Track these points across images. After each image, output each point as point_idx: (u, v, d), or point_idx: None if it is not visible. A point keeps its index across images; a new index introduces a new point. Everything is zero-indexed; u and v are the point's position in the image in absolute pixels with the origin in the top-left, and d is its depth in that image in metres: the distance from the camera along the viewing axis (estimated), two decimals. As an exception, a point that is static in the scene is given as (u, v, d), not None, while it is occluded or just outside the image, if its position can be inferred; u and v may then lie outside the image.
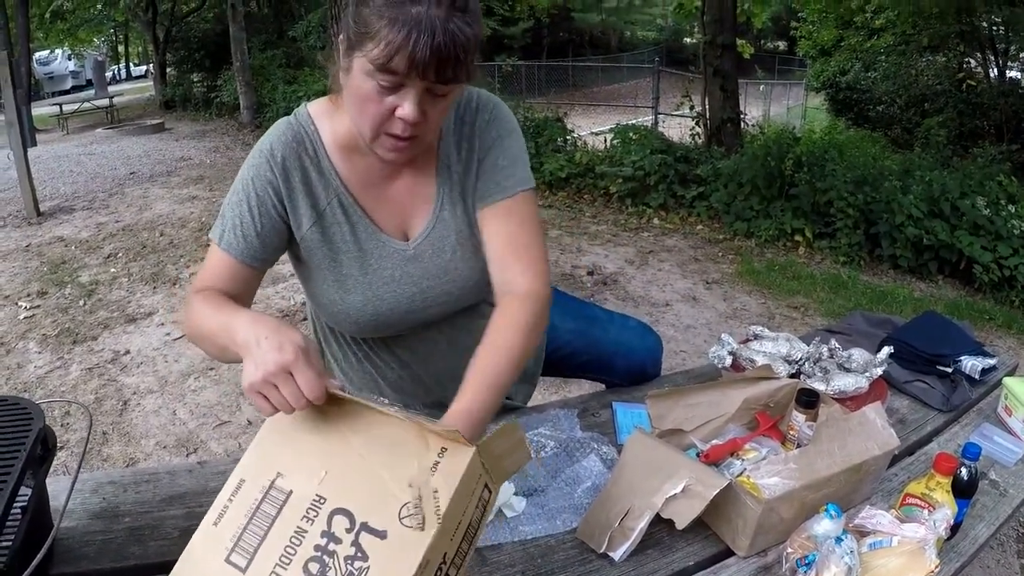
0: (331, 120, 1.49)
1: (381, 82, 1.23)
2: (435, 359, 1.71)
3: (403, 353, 1.70)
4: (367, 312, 1.53)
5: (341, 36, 1.29)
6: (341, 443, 1.11)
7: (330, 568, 0.99)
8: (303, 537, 1.03)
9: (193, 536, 1.06)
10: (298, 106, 1.55)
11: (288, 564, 1.00)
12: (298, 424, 1.14)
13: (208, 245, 1.50)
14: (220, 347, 1.32)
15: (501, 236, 1.52)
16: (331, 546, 1.01)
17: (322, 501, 1.05)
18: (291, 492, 1.08)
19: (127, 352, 4.61)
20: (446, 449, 1.05)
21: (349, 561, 0.98)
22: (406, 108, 1.25)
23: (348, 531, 1.01)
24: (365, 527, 1.01)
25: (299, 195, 1.47)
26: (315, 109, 1.51)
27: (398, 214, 1.55)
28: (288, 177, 1.46)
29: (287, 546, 1.02)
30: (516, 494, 1.48)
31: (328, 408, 1.13)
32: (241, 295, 1.48)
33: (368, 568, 0.97)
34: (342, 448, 1.10)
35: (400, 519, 1.00)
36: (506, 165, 1.55)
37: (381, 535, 1.00)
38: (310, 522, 1.04)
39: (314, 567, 0.99)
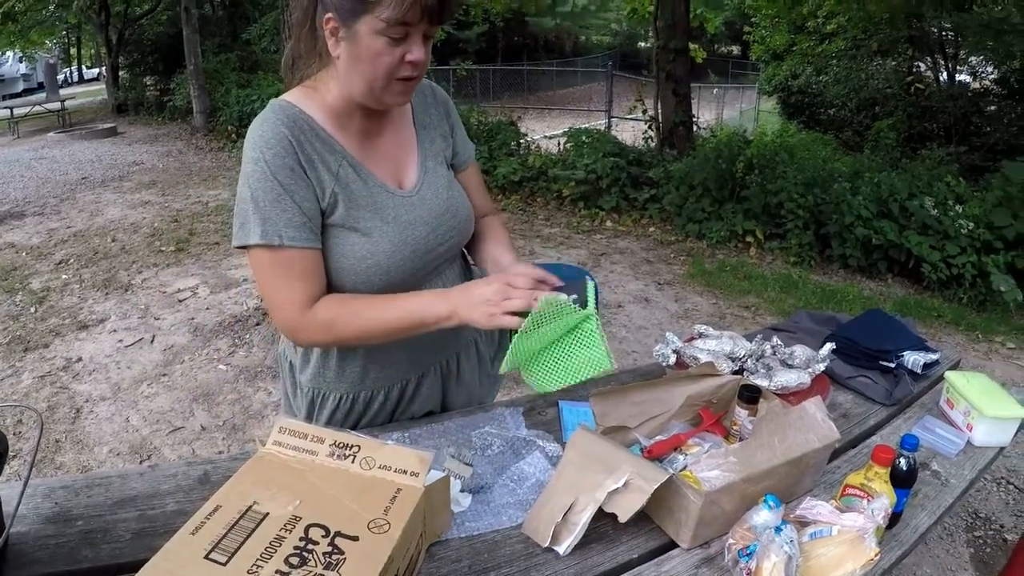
0: (312, 100, 1.59)
1: (392, 35, 1.43)
2: None
3: None
4: (396, 258, 1.63)
5: (328, 15, 1.46)
6: (311, 487, 1.22)
7: (309, 560, 1.05)
8: (282, 542, 1.09)
9: (168, 542, 1.08)
10: (258, 107, 1.61)
11: (269, 559, 1.05)
12: (272, 473, 1.25)
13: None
14: (398, 333, 1.60)
15: (474, 186, 1.93)
16: (309, 547, 1.08)
17: (298, 519, 1.13)
18: (267, 514, 1.15)
19: (79, 359, 4.57)
20: (401, 489, 1.23)
21: (327, 555, 1.06)
22: (415, 52, 1.47)
23: (324, 537, 1.10)
24: (339, 534, 1.11)
25: (317, 162, 1.56)
26: (291, 98, 1.60)
27: (391, 166, 1.71)
28: (303, 147, 1.54)
29: (267, 547, 1.07)
30: (462, 491, 1.49)
31: (299, 465, 1.27)
32: (323, 284, 1.60)
33: (344, 560, 1.06)
34: (312, 490, 1.21)
35: (369, 529, 1.12)
36: (466, 140, 1.93)
37: (354, 539, 1.10)
38: (288, 532, 1.11)
39: (294, 560, 1.05)
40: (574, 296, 1.48)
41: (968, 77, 17.18)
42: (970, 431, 1.90)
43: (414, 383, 1.84)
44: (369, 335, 1.63)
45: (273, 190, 1.49)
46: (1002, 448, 1.92)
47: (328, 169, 1.57)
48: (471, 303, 1.49)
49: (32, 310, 5.37)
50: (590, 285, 1.53)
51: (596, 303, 1.50)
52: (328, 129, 1.59)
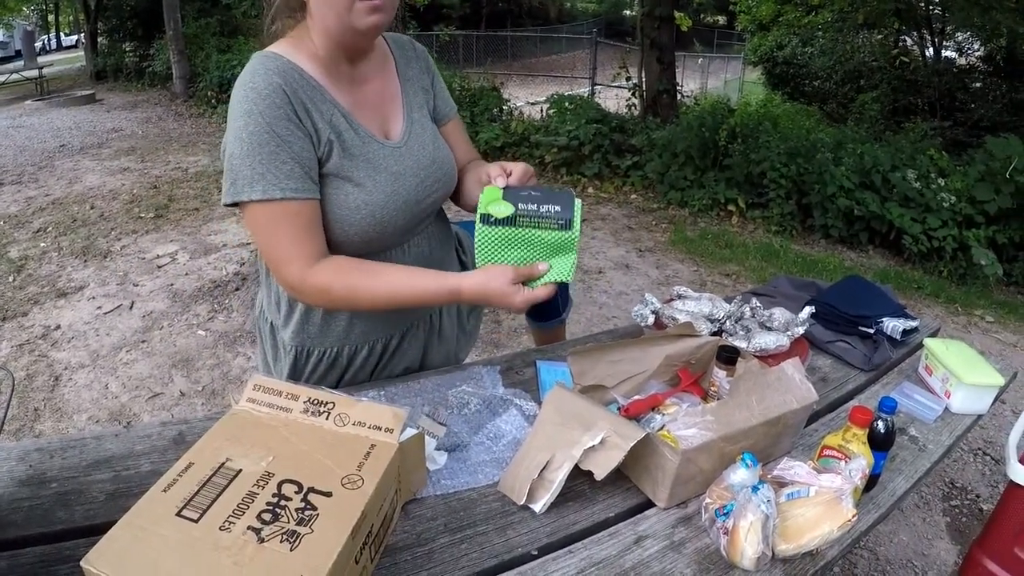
0: (298, 51, 1.59)
1: None
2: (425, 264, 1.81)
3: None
4: (390, 208, 1.65)
5: None
6: (284, 442, 1.22)
7: (282, 516, 1.05)
8: (254, 498, 1.09)
9: (140, 500, 1.07)
10: (239, 72, 1.61)
11: (241, 515, 1.05)
12: (245, 430, 1.25)
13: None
14: (408, 305, 1.67)
15: (460, 139, 1.98)
16: (282, 502, 1.08)
17: (271, 475, 1.13)
18: (240, 470, 1.14)
19: (58, 327, 4.53)
20: (375, 445, 1.23)
21: (300, 511, 1.06)
22: None
23: (297, 493, 1.10)
24: (312, 490, 1.11)
25: (312, 110, 1.56)
26: (276, 49, 1.59)
27: (378, 117, 1.72)
28: (297, 95, 1.53)
29: (240, 503, 1.07)
30: (438, 449, 1.49)
31: (273, 421, 1.28)
32: (323, 238, 1.60)
33: (317, 515, 1.06)
34: (286, 446, 1.21)
35: (343, 484, 1.12)
36: (447, 95, 1.96)
37: (327, 494, 1.10)
38: (261, 488, 1.11)
39: (267, 516, 1.05)
40: (558, 208, 1.55)
41: (954, 53, 17.21)
42: (948, 398, 1.91)
43: (397, 338, 1.85)
44: (368, 304, 1.64)
45: (270, 142, 1.47)
46: (980, 416, 1.93)
47: (322, 117, 1.56)
48: (498, 297, 1.56)
49: (10, 279, 5.32)
50: (577, 203, 1.57)
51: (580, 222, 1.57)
52: (317, 78, 1.58)
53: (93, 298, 4.97)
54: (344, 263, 1.58)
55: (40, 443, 1.50)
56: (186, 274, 5.38)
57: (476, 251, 1.56)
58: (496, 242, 1.55)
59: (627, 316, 4.71)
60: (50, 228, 6.47)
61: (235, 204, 1.52)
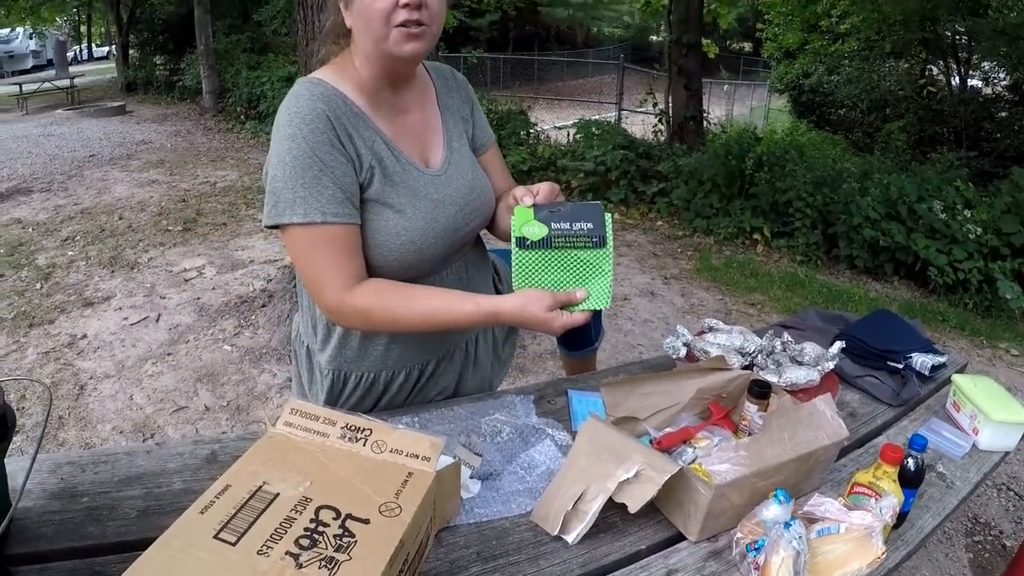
0: (342, 78, 1.61)
1: None
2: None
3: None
4: (429, 236, 1.66)
5: None
6: (322, 469, 1.22)
7: (320, 542, 1.05)
8: (292, 523, 1.09)
9: (177, 520, 1.07)
10: (268, 89, 1.63)
11: (279, 540, 1.05)
12: (282, 454, 1.25)
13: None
14: (447, 327, 1.66)
15: (497, 169, 1.97)
16: (320, 528, 1.08)
17: (308, 501, 1.13)
18: (278, 494, 1.15)
19: (84, 336, 4.57)
20: (412, 473, 1.23)
21: (337, 538, 1.06)
22: None
23: (335, 519, 1.10)
24: (350, 516, 1.11)
25: (355, 137, 1.58)
26: (320, 75, 1.62)
27: (418, 145, 1.73)
28: (341, 122, 1.55)
29: (277, 528, 1.07)
30: (472, 477, 1.49)
31: (310, 446, 1.28)
32: (363, 262, 1.61)
33: (356, 542, 1.05)
34: (323, 471, 1.21)
35: (380, 512, 1.12)
36: (485, 124, 1.96)
37: (365, 522, 1.10)
38: (298, 513, 1.11)
39: (304, 542, 1.05)
40: (590, 225, 1.56)
41: (980, 82, 17.10)
42: (976, 435, 1.90)
43: (433, 364, 1.86)
44: (407, 327, 1.64)
45: (313, 167, 1.49)
46: (1007, 452, 1.92)
47: (364, 143, 1.58)
48: (536, 322, 1.55)
49: (38, 286, 5.37)
50: (607, 217, 1.59)
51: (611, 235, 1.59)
52: (360, 105, 1.61)
53: (120, 309, 5.01)
54: (383, 285, 1.59)
55: (71, 456, 1.50)
56: (213, 288, 5.42)
57: (513, 275, 1.57)
58: (533, 266, 1.56)
59: (652, 344, 4.70)
60: (78, 237, 6.53)
61: (276, 226, 1.54)
